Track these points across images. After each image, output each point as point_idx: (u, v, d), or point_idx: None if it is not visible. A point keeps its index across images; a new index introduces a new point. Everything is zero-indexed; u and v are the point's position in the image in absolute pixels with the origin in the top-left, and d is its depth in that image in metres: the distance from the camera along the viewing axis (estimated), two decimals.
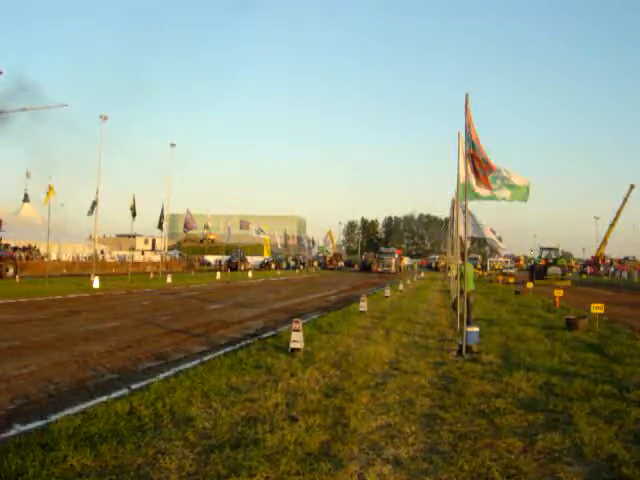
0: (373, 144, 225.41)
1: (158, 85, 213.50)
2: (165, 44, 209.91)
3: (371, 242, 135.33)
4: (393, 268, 72.82)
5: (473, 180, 10.61)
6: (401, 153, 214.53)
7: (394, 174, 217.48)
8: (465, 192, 10.63)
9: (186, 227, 48.75)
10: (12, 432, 5.46)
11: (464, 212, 11.35)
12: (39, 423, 5.75)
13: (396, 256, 77.59)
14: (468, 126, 10.29)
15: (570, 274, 53.71)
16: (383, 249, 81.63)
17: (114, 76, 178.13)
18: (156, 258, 63.90)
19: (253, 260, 72.41)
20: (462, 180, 10.91)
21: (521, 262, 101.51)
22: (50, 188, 30.97)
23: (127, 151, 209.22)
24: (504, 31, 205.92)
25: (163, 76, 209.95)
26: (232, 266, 58.73)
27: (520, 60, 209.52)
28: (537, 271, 46.07)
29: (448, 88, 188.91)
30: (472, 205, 11.82)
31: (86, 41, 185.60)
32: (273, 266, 71.29)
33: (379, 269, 72.27)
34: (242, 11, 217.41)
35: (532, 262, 58.67)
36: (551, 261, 46.95)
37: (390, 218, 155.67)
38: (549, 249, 50.65)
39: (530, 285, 31.66)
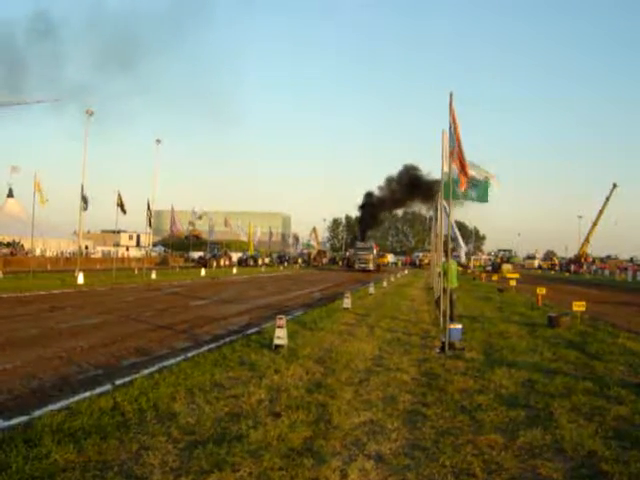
0: (360, 142, 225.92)
1: (149, 80, 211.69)
2: (160, 37, 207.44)
3: (355, 239, 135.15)
4: (371, 265, 63.04)
5: (461, 178, 10.64)
6: (388, 150, 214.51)
7: (380, 171, 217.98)
8: (449, 190, 10.69)
9: (172, 229, 48.82)
10: None
11: (445, 210, 11.41)
12: (23, 419, 5.71)
13: (374, 252, 66.22)
14: (452, 125, 10.34)
15: (519, 270, 73.16)
16: (359, 244, 70.43)
17: (106, 72, 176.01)
18: (140, 254, 63.48)
19: (236, 257, 72.28)
20: (445, 178, 10.97)
21: None
22: (37, 184, 30.53)
23: (114, 146, 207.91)
24: (490, 30, 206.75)
25: (155, 71, 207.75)
26: (203, 263, 58.61)
27: (505, 59, 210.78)
28: (495, 266, 65.59)
29: (435, 86, 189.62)
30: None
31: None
32: (251, 262, 70.99)
33: (355, 266, 63.08)
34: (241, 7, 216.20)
35: (493, 260, 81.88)
36: (505, 259, 71.17)
37: None
38: (504, 250, 78.49)
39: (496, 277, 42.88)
